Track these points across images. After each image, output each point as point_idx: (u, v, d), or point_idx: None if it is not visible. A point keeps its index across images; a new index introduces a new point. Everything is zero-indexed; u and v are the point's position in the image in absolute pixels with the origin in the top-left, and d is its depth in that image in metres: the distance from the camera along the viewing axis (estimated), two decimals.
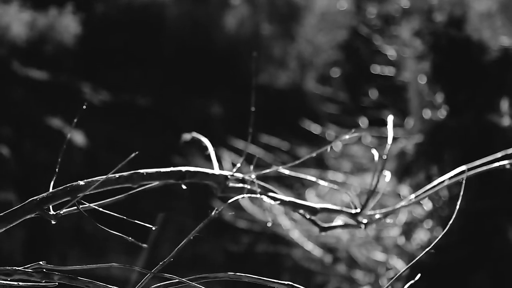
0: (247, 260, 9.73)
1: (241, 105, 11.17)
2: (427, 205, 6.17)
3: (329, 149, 2.34)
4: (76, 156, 10.06)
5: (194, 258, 10.18)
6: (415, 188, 5.92)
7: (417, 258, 2.53)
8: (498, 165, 2.40)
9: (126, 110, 11.41)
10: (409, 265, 2.80)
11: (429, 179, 5.84)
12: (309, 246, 6.36)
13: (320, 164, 7.51)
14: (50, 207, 2.30)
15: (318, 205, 2.60)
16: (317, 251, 6.37)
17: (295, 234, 6.40)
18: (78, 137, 10.33)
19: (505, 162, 2.36)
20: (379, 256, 5.95)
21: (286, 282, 2.47)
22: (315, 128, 7.90)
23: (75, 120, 2.42)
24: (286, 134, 8.35)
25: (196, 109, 12.10)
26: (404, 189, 6.17)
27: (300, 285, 2.53)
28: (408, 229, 5.92)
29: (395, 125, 6.87)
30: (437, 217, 5.89)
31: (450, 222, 2.51)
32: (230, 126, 10.03)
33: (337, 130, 7.58)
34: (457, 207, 2.48)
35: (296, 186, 7.56)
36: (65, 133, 9.67)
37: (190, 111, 11.90)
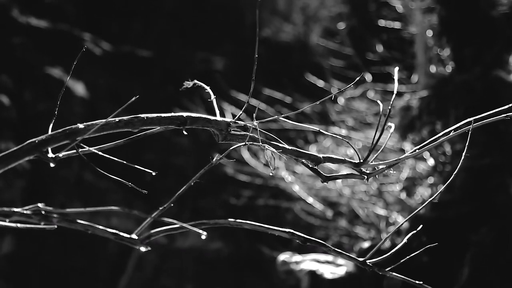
0: (248, 213, 9.76)
1: (245, 60, 11.06)
2: (430, 161, 6.14)
3: (332, 99, 2.28)
4: (76, 106, 10.01)
5: (194, 211, 10.22)
6: (418, 144, 5.88)
7: (417, 210, 2.48)
8: (504, 116, 2.35)
9: (127, 61, 11.31)
10: (409, 217, 2.75)
11: (433, 135, 5.78)
12: (311, 200, 6.34)
13: (324, 119, 7.45)
14: (49, 150, 2.26)
15: (321, 155, 2.55)
16: (318, 206, 6.36)
17: (297, 188, 6.38)
18: (78, 88, 10.26)
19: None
20: (381, 211, 5.93)
21: (287, 230, 2.44)
22: (319, 83, 7.82)
23: (73, 67, 2.37)
24: (290, 88, 8.27)
25: (198, 62, 12.00)
26: (407, 145, 6.12)
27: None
28: (410, 185, 5.89)
29: (400, 80, 6.79)
30: (439, 173, 5.85)
31: (453, 176, 2.46)
32: (232, 80, 9.94)
33: (341, 84, 7.51)
34: (463, 157, 2.43)
35: (298, 142, 7.52)
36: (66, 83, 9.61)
37: (192, 64, 11.81)
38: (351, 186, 6.32)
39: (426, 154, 6.15)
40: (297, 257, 6.13)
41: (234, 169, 7.98)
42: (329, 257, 6.21)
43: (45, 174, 9.38)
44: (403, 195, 5.82)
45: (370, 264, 2.45)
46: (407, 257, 2.53)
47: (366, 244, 5.39)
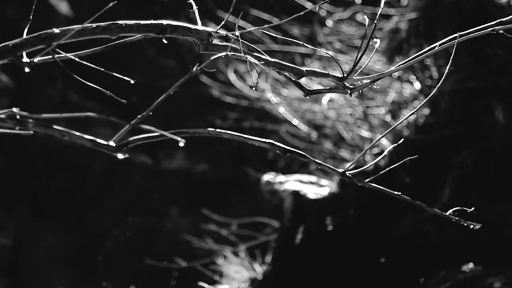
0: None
1: None
2: (416, 84, 6.12)
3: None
4: (60, 24, 9.84)
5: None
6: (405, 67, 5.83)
7: (397, 124, 2.48)
8: (490, 30, 2.31)
9: None
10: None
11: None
12: (296, 122, 6.34)
13: (311, 42, 7.36)
14: (24, 54, 2.21)
15: (304, 68, 2.52)
16: (303, 128, 6.36)
17: (282, 110, 6.37)
18: (62, 6, 10.06)
19: (499, 27, 2.27)
20: (366, 133, 5.95)
21: (268, 140, 2.42)
22: (308, 5, 7.70)
23: None
24: (278, 10, 8.15)
25: None
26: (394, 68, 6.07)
27: (280, 144, 2.48)
28: (396, 108, 5.89)
29: (390, 2, 6.69)
30: (425, 97, 5.84)
31: (433, 92, 2.44)
32: (221, 2, 9.77)
33: (330, 7, 7.39)
34: (446, 71, 2.40)
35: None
36: (50, 1, 9.43)
37: None
38: (336, 108, 6.32)
39: (413, 78, 6.13)
40: (281, 178, 6.18)
41: (220, 91, 7.94)
42: (313, 178, 6.26)
43: (29, 92, 9.31)
44: (388, 118, 5.82)
45: (350, 175, 2.45)
46: (387, 169, 2.54)
47: (349, 165, 5.42)
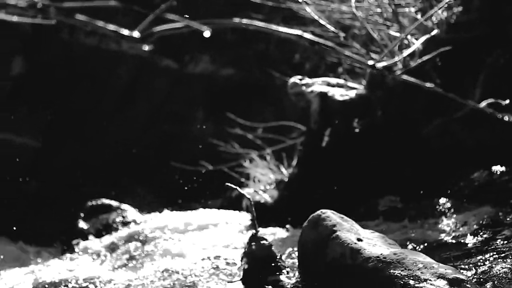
0: (260, 35, 9.65)
1: None
2: None
3: None
4: None
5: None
6: None
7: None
8: None
9: None
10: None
11: None
12: (323, 22, 6.18)
13: None
14: None
15: None
16: (331, 28, 6.20)
17: (309, 10, 6.19)
18: None
19: None
20: (395, 34, 5.78)
21: (296, 32, 2.35)
22: None
23: None
24: None
25: None
26: None
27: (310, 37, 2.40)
28: (427, 6, 5.69)
29: None
30: None
31: None
32: None
33: None
34: None
35: None
36: None
37: None
38: (365, 8, 6.12)
39: None
40: (308, 80, 6.10)
41: None
42: (340, 81, 6.17)
43: None
44: (418, 17, 5.64)
45: (379, 67, 2.38)
46: (419, 60, 2.46)
47: (379, 58, 5.30)
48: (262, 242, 3.28)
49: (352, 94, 5.79)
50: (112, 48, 9.90)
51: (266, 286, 3.11)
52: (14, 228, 8.54)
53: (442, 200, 4.99)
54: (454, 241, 4.00)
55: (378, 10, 6.03)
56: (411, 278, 2.65)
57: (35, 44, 9.65)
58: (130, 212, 6.78)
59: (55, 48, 9.77)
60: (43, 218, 9.37)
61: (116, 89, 10.26)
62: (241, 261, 3.30)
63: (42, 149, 10.02)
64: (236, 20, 2.36)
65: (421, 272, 2.67)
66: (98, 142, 10.27)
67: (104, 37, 9.79)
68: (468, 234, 4.16)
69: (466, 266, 3.31)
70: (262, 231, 5.64)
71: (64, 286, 3.69)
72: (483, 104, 2.19)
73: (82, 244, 6.14)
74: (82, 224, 6.55)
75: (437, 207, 4.97)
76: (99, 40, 9.84)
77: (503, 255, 3.43)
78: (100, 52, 9.92)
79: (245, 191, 6.65)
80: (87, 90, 10.10)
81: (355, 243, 2.93)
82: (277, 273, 3.20)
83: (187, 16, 2.15)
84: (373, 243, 2.96)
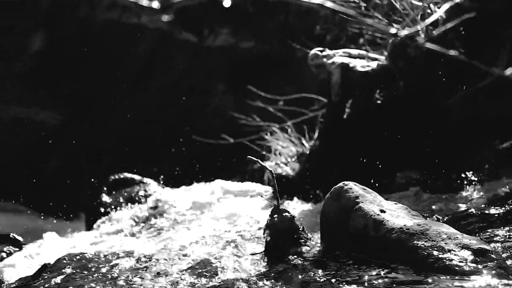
0: (280, 3, 9.56)
1: None
2: None
3: None
4: None
5: None
6: None
7: None
8: None
9: None
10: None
11: None
12: None
13: None
14: None
15: None
16: None
17: None
18: None
19: None
20: (417, 2, 5.69)
21: (318, 1, 2.31)
22: None
23: None
24: None
25: None
26: None
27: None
28: None
29: None
30: None
31: None
32: None
33: None
34: None
35: None
36: None
37: None
38: None
39: None
40: (328, 51, 6.04)
41: None
42: (362, 52, 6.10)
43: None
44: None
45: (402, 36, 2.34)
46: (443, 28, 2.41)
47: (402, 26, 5.23)
48: (284, 214, 3.28)
49: (373, 65, 5.72)
50: (133, 22, 9.88)
51: (289, 258, 3.11)
52: (38, 202, 8.63)
53: (464, 172, 4.95)
54: (477, 212, 3.97)
55: None
56: (435, 249, 2.64)
57: (54, 21, 9.66)
58: (153, 185, 6.83)
59: (73, 24, 9.78)
60: (67, 193, 9.47)
61: (134, 64, 10.26)
62: (264, 233, 3.30)
63: (62, 126, 10.08)
64: None
65: (445, 243, 2.65)
66: (119, 118, 10.31)
67: (125, 11, 9.77)
68: (491, 205, 4.13)
69: (490, 237, 3.29)
70: (284, 204, 5.65)
71: (89, 259, 3.74)
72: (508, 71, 2.15)
73: (106, 217, 6.20)
74: (106, 198, 6.60)
75: (459, 179, 4.93)
76: (120, 13, 9.82)
77: None
78: (120, 26, 9.91)
79: (267, 164, 6.65)
80: (104, 66, 10.11)
81: (378, 215, 2.91)
82: (299, 245, 3.20)
83: None
84: (396, 215, 2.94)
